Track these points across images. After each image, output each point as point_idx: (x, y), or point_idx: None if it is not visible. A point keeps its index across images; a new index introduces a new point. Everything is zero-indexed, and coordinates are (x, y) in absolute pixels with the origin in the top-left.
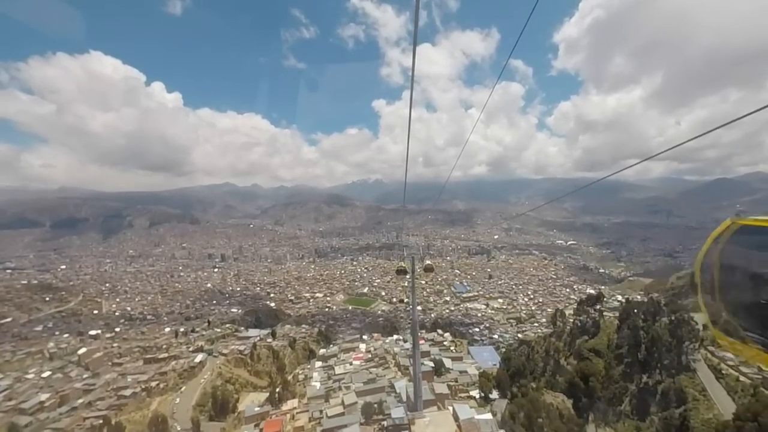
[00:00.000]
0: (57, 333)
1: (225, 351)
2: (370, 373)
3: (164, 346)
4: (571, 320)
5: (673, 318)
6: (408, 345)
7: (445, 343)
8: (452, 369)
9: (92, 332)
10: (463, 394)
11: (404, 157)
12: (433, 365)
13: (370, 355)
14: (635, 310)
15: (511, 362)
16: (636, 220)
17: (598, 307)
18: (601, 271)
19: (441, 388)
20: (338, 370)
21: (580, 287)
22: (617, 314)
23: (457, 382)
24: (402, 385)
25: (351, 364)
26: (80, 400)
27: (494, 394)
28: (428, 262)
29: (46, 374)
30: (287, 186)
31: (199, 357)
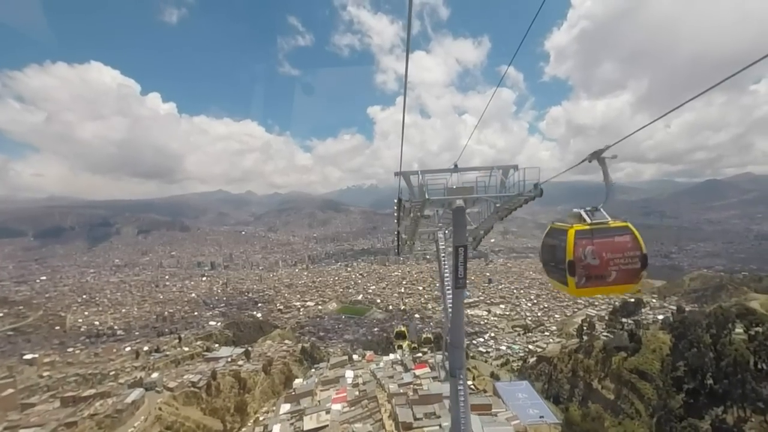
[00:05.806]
0: None
1: (172, 384)
2: (353, 431)
3: (113, 373)
4: (603, 333)
5: (752, 332)
6: (408, 378)
7: None
8: None
9: (28, 356)
10: None
11: (399, 162)
12: None
13: (357, 392)
14: (698, 322)
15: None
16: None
17: (635, 317)
18: None
19: None
20: (308, 424)
21: None
22: (660, 326)
23: None
24: None
25: (328, 411)
26: None
27: None
28: (401, 326)
29: None
30: (281, 192)
31: (133, 395)
